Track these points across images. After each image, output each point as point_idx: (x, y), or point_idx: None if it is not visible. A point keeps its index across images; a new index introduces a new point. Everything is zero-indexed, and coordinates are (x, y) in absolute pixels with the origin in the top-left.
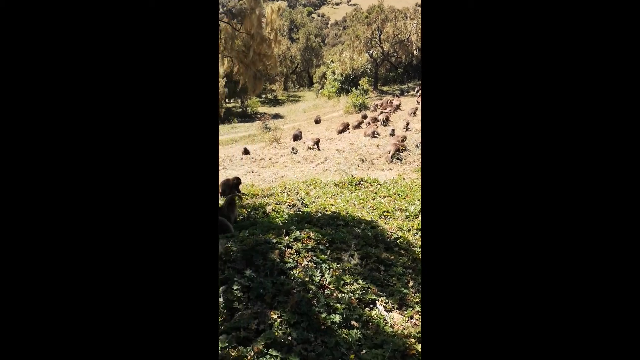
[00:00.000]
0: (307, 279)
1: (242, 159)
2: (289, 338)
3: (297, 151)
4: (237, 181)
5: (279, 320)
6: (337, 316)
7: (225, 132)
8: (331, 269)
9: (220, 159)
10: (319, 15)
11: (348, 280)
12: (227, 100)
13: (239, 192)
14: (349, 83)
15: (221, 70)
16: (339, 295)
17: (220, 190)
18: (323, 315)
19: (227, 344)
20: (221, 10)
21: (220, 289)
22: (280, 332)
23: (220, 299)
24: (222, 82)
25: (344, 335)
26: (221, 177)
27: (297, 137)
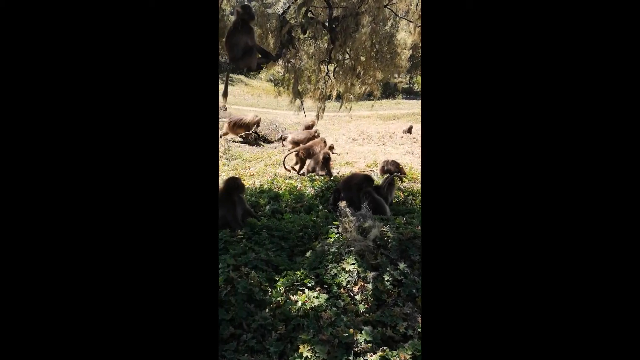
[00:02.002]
0: None
1: (402, 137)
2: None
3: None
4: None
5: None
6: None
7: (388, 107)
8: None
9: (379, 135)
10: None
11: None
12: (400, 75)
13: (401, 172)
14: None
15: (409, 41)
16: None
17: (381, 168)
18: None
19: (370, 338)
20: None
21: (371, 274)
22: None
23: (369, 285)
24: (407, 53)
25: None
26: (379, 155)
27: None
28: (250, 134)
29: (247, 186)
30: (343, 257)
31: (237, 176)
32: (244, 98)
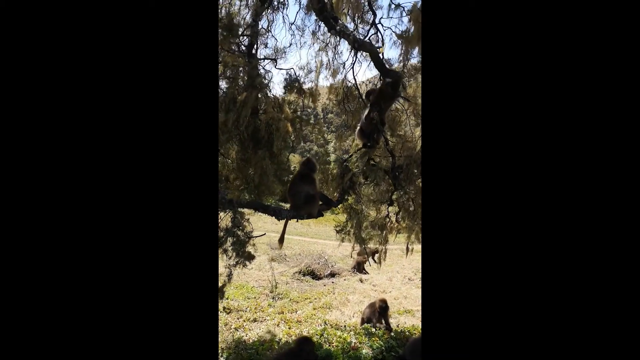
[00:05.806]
0: None
1: None
2: None
3: None
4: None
5: None
6: None
7: None
8: None
9: None
10: None
11: None
12: None
13: None
14: None
15: None
16: None
17: None
18: None
19: None
20: None
21: None
22: None
23: None
24: None
25: None
26: None
27: None
28: None
29: (294, 336)
30: None
31: (310, 337)
32: (293, 227)
